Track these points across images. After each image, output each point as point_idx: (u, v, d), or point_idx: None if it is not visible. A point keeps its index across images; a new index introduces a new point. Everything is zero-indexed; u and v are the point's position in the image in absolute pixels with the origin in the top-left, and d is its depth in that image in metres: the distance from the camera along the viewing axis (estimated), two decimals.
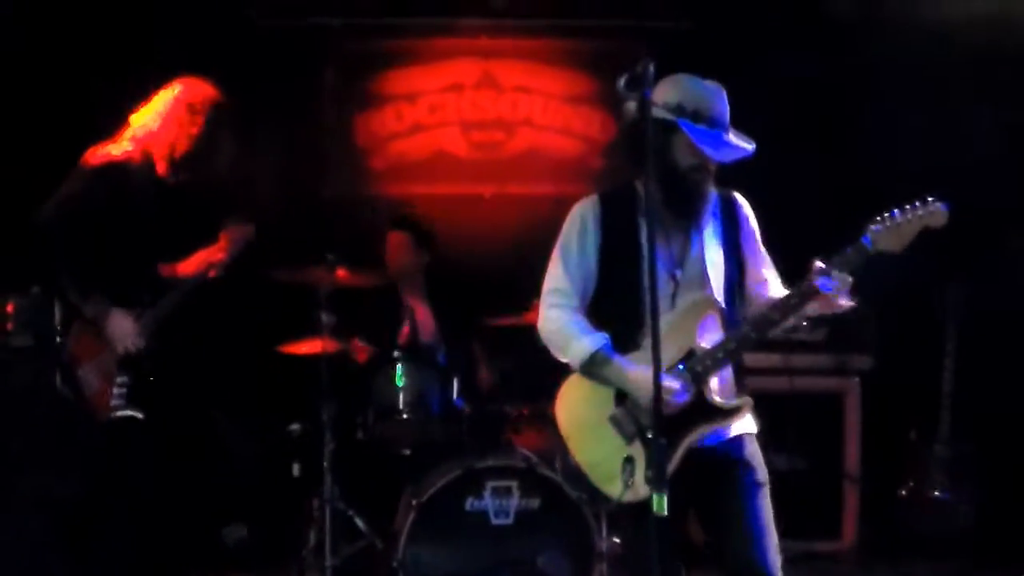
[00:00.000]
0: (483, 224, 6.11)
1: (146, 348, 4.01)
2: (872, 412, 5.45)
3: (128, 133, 4.07)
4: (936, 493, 5.28)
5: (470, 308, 5.43)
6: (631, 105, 2.97)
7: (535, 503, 4.32)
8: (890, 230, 2.91)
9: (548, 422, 4.80)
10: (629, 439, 2.98)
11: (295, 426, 4.86)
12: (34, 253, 3.88)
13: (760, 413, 5.27)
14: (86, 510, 4.03)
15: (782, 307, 2.98)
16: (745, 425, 3.09)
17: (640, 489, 2.91)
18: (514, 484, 4.32)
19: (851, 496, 5.42)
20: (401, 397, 4.66)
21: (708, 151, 2.94)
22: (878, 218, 2.93)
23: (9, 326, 4.59)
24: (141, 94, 4.35)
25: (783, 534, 5.26)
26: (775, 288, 3.18)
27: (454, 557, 4.27)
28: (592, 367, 3.01)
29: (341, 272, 4.67)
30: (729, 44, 5.80)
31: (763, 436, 5.17)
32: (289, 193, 5.97)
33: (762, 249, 3.21)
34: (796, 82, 5.56)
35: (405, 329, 4.98)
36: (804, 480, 5.42)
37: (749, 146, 3.03)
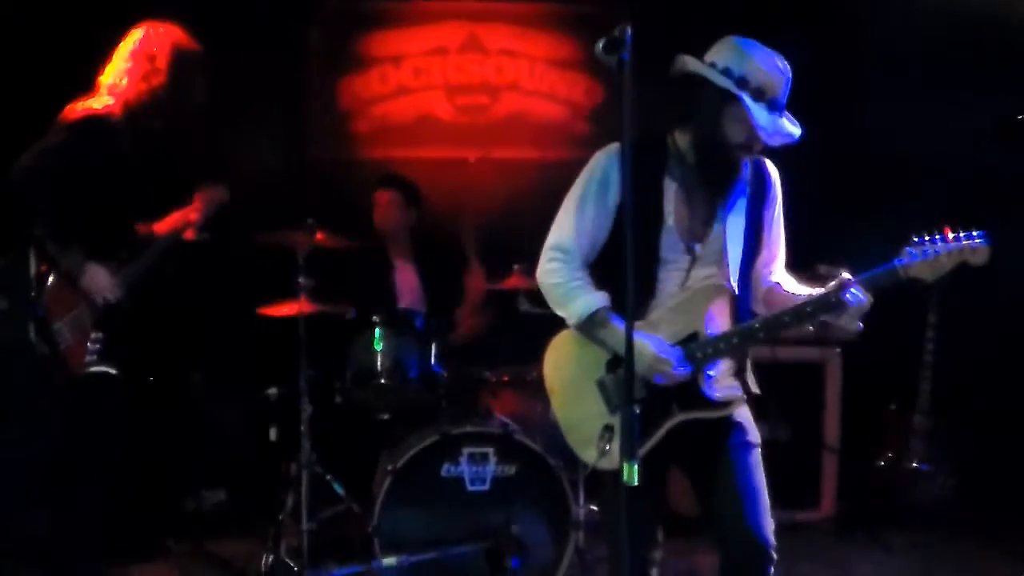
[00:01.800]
0: (467, 188, 6.07)
1: (122, 304, 3.99)
2: (852, 383, 5.46)
3: (103, 88, 4.00)
4: (915, 464, 5.29)
5: (454, 272, 5.42)
6: (691, 60, 2.88)
7: (512, 470, 4.31)
8: (926, 260, 2.80)
9: (527, 388, 4.88)
10: (612, 408, 2.94)
11: (272, 390, 4.83)
12: (11, 204, 3.79)
13: None
14: (58, 466, 3.97)
15: (796, 314, 2.89)
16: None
17: (616, 458, 2.82)
18: (491, 451, 4.31)
19: (830, 466, 5.44)
20: (379, 362, 4.64)
21: (762, 133, 2.83)
22: (915, 241, 2.82)
23: None
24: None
25: None
26: (780, 274, 3.11)
27: (430, 523, 4.26)
28: (590, 327, 2.94)
29: (320, 235, 4.63)
30: (716, 10, 5.74)
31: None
32: (273, 155, 5.92)
33: (782, 227, 3.10)
34: (781, 45, 5.49)
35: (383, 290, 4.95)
36: (784, 450, 5.42)
37: (797, 131, 2.91)
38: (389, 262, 5.34)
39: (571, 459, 4.33)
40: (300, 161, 6.07)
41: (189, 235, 4.26)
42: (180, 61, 4.01)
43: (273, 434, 4.80)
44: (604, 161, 2.97)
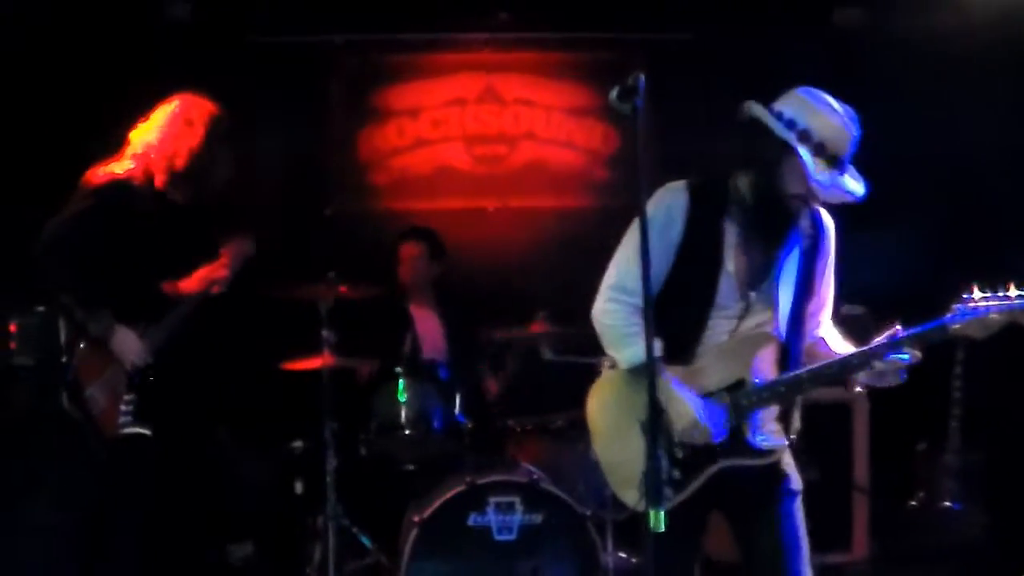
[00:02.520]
0: (487, 238, 6.10)
1: (152, 364, 4.00)
2: (881, 422, 5.40)
3: (129, 151, 4.07)
4: (946, 504, 5.22)
5: (475, 322, 5.43)
6: (757, 109, 2.86)
7: (538, 518, 4.28)
8: (977, 319, 2.74)
9: (552, 436, 4.86)
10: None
11: (298, 443, 4.84)
12: (39, 272, 3.86)
13: None
14: (92, 529, 4.01)
15: (843, 365, 2.87)
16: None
17: None
18: (517, 499, 4.28)
19: (861, 507, 5.36)
20: (403, 413, 4.65)
21: (818, 189, 2.81)
22: (966, 298, 2.77)
23: (12, 345, 4.61)
24: (143, 112, 4.36)
25: None
26: (827, 324, 3.09)
27: (458, 573, 4.23)
28: (637, 372, 2.87)
29: (343, 289, 4.65)
30: (729, 56, 5.79)
31: None
32: (292, 209, 5.96)
33: (831, 278, 3.07)
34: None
35: (405, 342, 4.97)
36: (813, 491, 5.31)
37: (860, 190, 2.87)
38: (411, 314, 5.36)
39: (599, 506, 4.36)
40: (320, 214, 6.11)
41: (215, 291, 4.27)
42: (215, 131, 4.08)
43: (299, 487, 4.81)
44: (668, 199, 2.93)
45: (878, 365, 2.83)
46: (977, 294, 2.76)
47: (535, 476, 4.38)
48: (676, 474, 2.88)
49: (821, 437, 5.35)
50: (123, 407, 3.92)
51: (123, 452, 3.93)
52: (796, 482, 2.99)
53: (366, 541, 4.67)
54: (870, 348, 2.86)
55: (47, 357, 4.03)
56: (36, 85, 5.38)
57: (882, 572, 5.23)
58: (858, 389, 3.00)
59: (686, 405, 2.82)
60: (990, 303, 2.75)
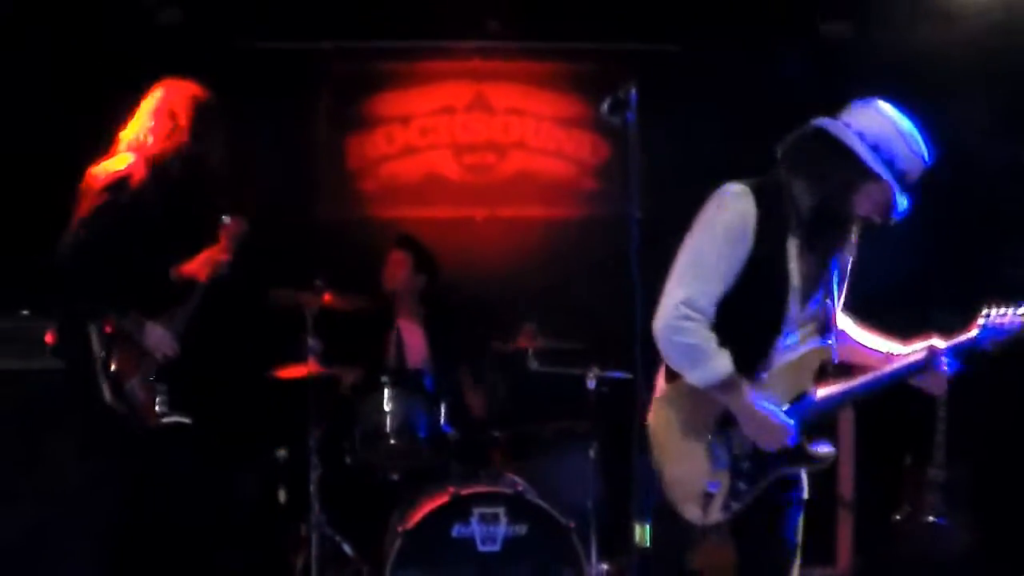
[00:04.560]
0: (475, 248, 6.08)
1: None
2: (866, 436, 5.40)
3: (121, 145, 4.10)
4: (932, 518, 5.22)
5: (461, 332, 5.41)
6: (833, 125, 2.84)
7: (523, 530, 4.28)
8: (1012, 337, 2.97)
9: (537, 447, 4.85)
10: (719, 466, 2.93)
11: (282, 451, 4.81)
12: (65, 281, 3.92)
13: None
14: (128, 521, 4.08)
15: (892, 379, 3.01)
16: None
17: (714, 514, 2.90)
18: (501, 511, 4.27)
19: (845, 521, 5.37)
20: (388, 422, 4.63)
21: (896, 216, 2.87)
22: (988, 315, 2.98)
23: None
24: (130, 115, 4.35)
25: None
26: (853, 329, 3.17)
27: None
28: (717, 388, 2.86)
29: (328, 296, 4.63)
30: (717, 67, 5.79)
31: None
32: (280, 215, 5.93)
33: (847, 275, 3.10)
34: (783, 104, 5.53)
35: (389, 351, 4.94)
36: None
37: (906, 206, 2.91)
38: (396, 323, 5.34)
39: (582, 518, 4.34)
40: (308, 220, 6.08)
41: (218, 274, 4.30)
42: (200, 116, 4.11)
43: (282, 495, 4.78)
44: (741, 206, 2.82)
45: (938, 375, 3.01)
46: (994, 311, 2.98)
47: (520, 487, 4.37)
48: (741, 486, 2.92)
49: None
50: (159, 398, 4.02)
51: (167, 441, 4.08)
52: (805, 491, 3.05)
53: (349, 550, 4.64)
54: (920, 362, 3.01)
55: (78, 360, 4.00)
56: (26, 90, 5.36)
57: None
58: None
59: (761, 413, 2.86)
60: (1013, 319, 2.98)
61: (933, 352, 2.98)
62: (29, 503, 4.38)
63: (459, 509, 4.26)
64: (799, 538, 3.02)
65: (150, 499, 4.10)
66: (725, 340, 2.82)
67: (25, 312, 4.66)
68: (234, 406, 5.44)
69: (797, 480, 3.03)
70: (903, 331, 3.19)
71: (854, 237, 3.01)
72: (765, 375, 2.90)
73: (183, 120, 4.08)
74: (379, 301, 5.30)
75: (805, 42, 5.87)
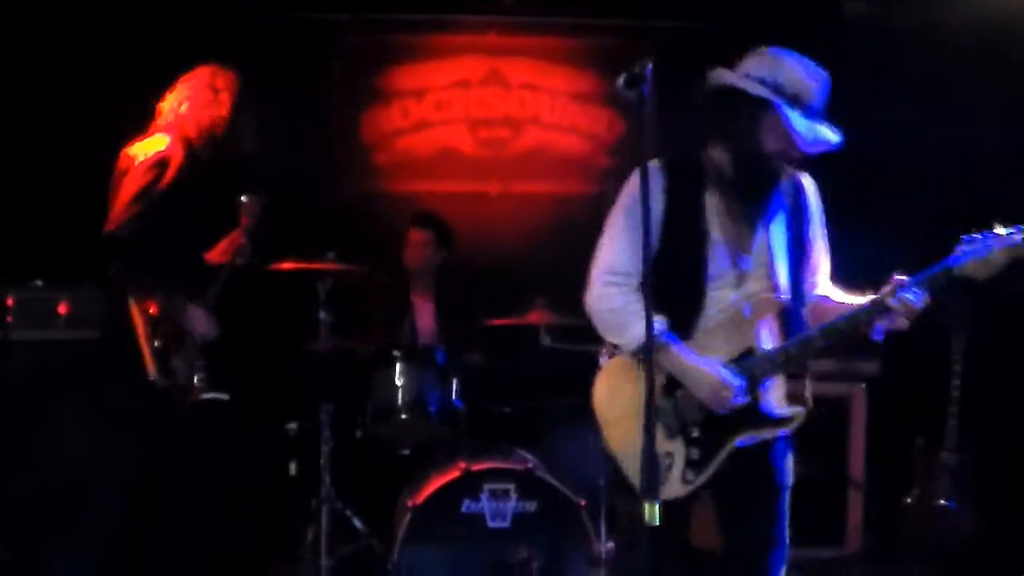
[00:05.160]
0: (488, 222, 6.06)
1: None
2: (878, 418, 5.39)
3: (160, 123, 4.16)
4: (942, 501, 5.20)
5: (474, 307, 5.40)
6: (725, 73, 2.85)
7: (532, 506, 4.26)
8: (979, 257, 2.74)
9: (548, 423, 4.84)
10: (671, 434, 2.88)
11: (292, 424, 4.82)
12: (118, 259, 3.98)
13: None
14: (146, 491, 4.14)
15: (852, 319, 2.83)
16: None
17: (675, 486, 2.84)
18: (512, 487, 4.26)
19: (856, 503, 5.36)
20: (400, 397, 4.63)
21: (799, 140, 2.79)
22: (965, 239, 2.77)
23: (9, 319, 4.60)
24: (144, 89, 4.35)
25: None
26: (826, 285, 3.06)
27: (450, 560, 4.22)
28: (646, 350, 2.84)
29: (341, 269, 4.62)
30: (738, 43, 5.73)
31: None
32: (294, 189, 5.92)
33: (823, 237, 3.06)
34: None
35: (403, 326, 4.94)
36: (808, 486, 5.32)
37: (836, 138, 2.87)
38: (409, 298, 5.33)
39: (592, 496, 4.34)
40: (322, 194, 6.07)
41: (240, 261, 4.38)
42: (237, 101, 4.21)
43: (293, 469, 4.79)
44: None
45: (887, 317, 2.79)
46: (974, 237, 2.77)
47: (530, 464, 4.36)
48: (695, 454, 2.85)
49: (817, 431, 5.30)
50: (197, 375, 4.13)
51: (205, 417, 4.19)
52: (790, 475, 2.97)
53: (359, 524, 4.66)
54: (877, 298, 2.83)
55: (110, 330, 4.11)
56: (37, 65, 5.35)
57: (875, 567, 5.22)
58: (875, 336, 2.88)
59: (704, 370, 2.80)
60: (990, 241, 2.75)
61: (895, 284, 2.80)
62: (42, 471, 4.42)
63: (469, 485, 4.25)
64: (786, 527, 2.93)
65: (171, 471, 4.12)
66: (658, 302, 2.79)
67: (39, 283, 4.69)
68: (246, 380, 5.45)
69: (781, 463, 2.94)
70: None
71: (819, 208, 3.00)
72: (703, 334, 2.87)
73: (225, 100, 4.17)
74: (395, 276, 5.29)
75: (829, 20, 5.81)
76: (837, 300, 3.00)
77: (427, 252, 5.34)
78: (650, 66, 2.57)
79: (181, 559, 4.27)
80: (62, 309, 4.56)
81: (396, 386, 4.64)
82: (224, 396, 4.18)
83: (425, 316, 5.33)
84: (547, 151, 6.25)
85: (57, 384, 4.50)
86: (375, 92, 6.21)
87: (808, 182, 3.04)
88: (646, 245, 2.50)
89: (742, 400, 2.81)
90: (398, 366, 4.66)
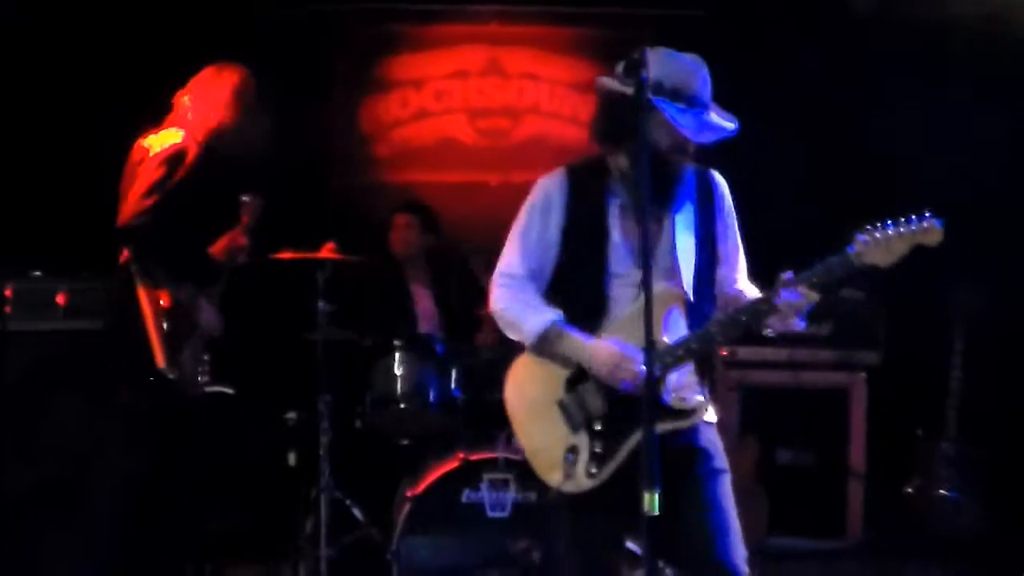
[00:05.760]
0: (488, 212, 6.04)
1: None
2: (878, 408, 5.38)
3: (175, 118, 4.15)
4: (943, 491, 5.21)
5: (473, 296, 5.38)
6: (606, 80, 2.86)
7: (532, 496, 4.26)
8: (879, 244, 2.72)
9: None
10: (575, 428, 2.89)
11: (291, 414, 4.82)
12: (134, 248, 3.98)
13: (764, 408, 5.34)
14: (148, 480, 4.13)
15: (751, 312, 2.83)
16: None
17: (581, 480, 2.84)
18: (511, 477, 4.27)
19: (856, 493, 5.35)
20: (399, 387, 4.62)
21: (687, 132, 2.80)
22: (867, 228, 2.75)
23: (8, 310, 4.60)
24: (144, 79, 4.34)
25: (787, 531, 5.25)
26: (743, 279, 3.07)
27: (449, 549, 4.23)
28: (546, 344, 2.89)
29: (340, 259, 4.62)
30: (739, 31, 5.73)
31: (768, 431, 5.27)
32: (294, 180, 5.91)
33: (736, 234, 3.07)
34: (806, 70, 5.47)
35: (401, 315, 4.93)
36: (809, 476, 5.37)
37: (731, 125, 2.88)
38: (407, 287, 5.33)
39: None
40: (321, 185, 6.06)
41: (241, 258, 4.38)
42: (252, 101, 4.21)
43: (292, 459, 4.79)
44: (546, 184, 3.02)
45: (780, 308, 2.77)
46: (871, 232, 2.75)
47: None
48: (597, 447, 2.86)
49: (817, 421, 5.36)
50: (201, 368, 4.18)
51: (209, 410, 4.29)
52: (721, 460, 2.94)
53: (359, 514, 4.66)
54: (760, 297, 2.85)
55: (115, 321, 4.11)
56: (43, 60, 5.36)
57: (876, 558, 5.21)
58: (768, 332, 2.91)
59: (602, 347, 2.82)
60: (890, 229, 2.73)
61: (780, 283, 2.77)
62: (42, 462, 4.42)
63: (469, 475, 4.26)
64: (730, 511, 2.86)
65: (172, 461, 4.11)
66: (562, 306, 2.92)
67: (37, 273, 4.68)
68: (246, 370, 5.46)
69: (703, 448, 2.90)
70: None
71: (730, 204, 3.01)
72: (606, 331, 2.88)
73: (242, 97, 4.18)
74: (388, 264, 5.29)
75: (831, 15, 5.79)
76: (749, 296, 2.99)
77: (410, 235, 5.34)
78: (648, 52, 2.57)
79: (181, 549, 4.27)
80: (60, 299, 4.55)
81: (395, 376, 4.64)
82: (229, 390, 4.25)
83: (424, 302, 5.32)
84: (547, 140, 6.24)
85: (56, 375, 4.50)
86: (374, 82, 6.20)
87: (721, 181, 3.06)
88: (645, 236, 2.50)
89: (629, 387, 2.79)
90: (397, 356, 4.65)
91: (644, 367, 2.68)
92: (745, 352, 5.33)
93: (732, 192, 3.08)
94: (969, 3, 5.24)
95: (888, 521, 5.35)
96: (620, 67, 2.60)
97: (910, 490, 5.31)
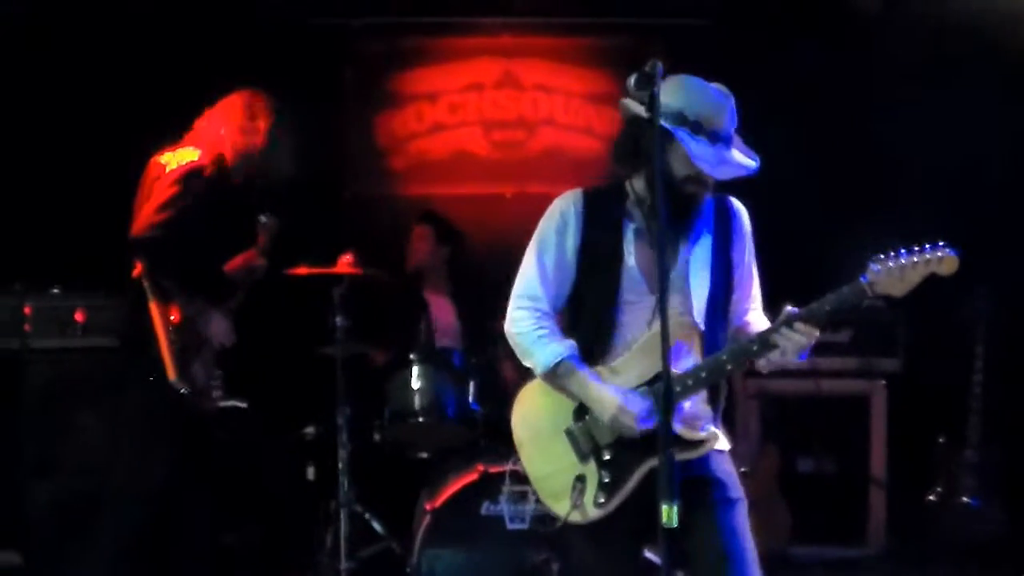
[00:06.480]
0: (504, 224, 6.05)
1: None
2: (899, 415, 5.35)
3: (193, 137, 4.20)
4: (965, 499, 5.17)
5: (491, 309, 5.38)
6: (630, 102, 2.82)
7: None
8: (892, 274, 2.69)
9: None
10: (583, 457, 2.87)
11: (310, 429, 4.83)
12: (148, 261, 4.01)
13: (785, 416, 5.33)
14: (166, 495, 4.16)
15: (761, 342, 2.79)
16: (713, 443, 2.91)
17: (589, 510, 2.83)
18: (530, 489, 4.23)
19: (878, 501, 5.33)
20: (417, 400, 4.63)
21: (704, 166, 2.76)
22: (880, 257, 2.71)
23: (27, 327, 4.63)
24: (161, 97, 4.36)
25: (809, 539, 5.22)
26: (756, 309, 3.04)
27: (469, 562, 4.22)
28: (555, 377, 2.88)
29: (358, 273, 4.63)
30: (749, 41, 5.72)
31: (789, 439, 5.25)
32: (309, 194, 5.93)
33: (752, 266, 3.03)
34: (814, 80, 5.46)
35: (419, 329, 4.94)
36: (830, 484, 5.35)
37: (752, 163, 2.84)
38: (425, 299, 5.33)
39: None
40: (337, 198, 6.08)
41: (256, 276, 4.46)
42: (276, 127, 4.27)
43: (311, 473, 4.79)
44: (561, 205, 2.96)
45: (776, 344, 2.75)
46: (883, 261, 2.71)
47: None
48: (605, 477, 2.84)
49: (838, 429, 5.35)
50: (214, 382, 4.18)
51: (223, 424, 4.30)
52: (736, 489, 2.90)
53: (379, 527, 4.66)
54: (762, 334, 2.81)
55: (129, 337, 4.16)
56: (55, 75, 5.39)
57: (898, 567, 5.18)
58: (762, 366, 2.86)
59: (606, 395, 2.80)
60: (903, 258, 2.70)
61: (783, 319, 2.75)
62: (63, 477, 4.44)
63: (488, 487, 4.25)
64: (746, 538, 2.82)
65: (190, 476, 4.14)
66: (574, 330, 2.91)
67: (56, 291, 4.71)
68: (264, 385, 5.47)
69: (716, 479, 2.87)
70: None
71: (748, 234, 2.98)
72: (616, 357, 2.87)
73: (261, 121, 4.24)
74: (408, 279, 5.29)
75: (836, 18, 5.78)
76: (757, 328, 2.95)
77: (426, 247, 5.36)
78: (660, 65, 2.55)
79: (200, 564, 4.28)
80: (79, 317, 4.59)
81: (413, 389, 4.65)
82: (242, 404, 4.26)
83: (443, 318, 5.32)
84: (562, 152, 6.24)
85: (76, 391, 4.53)
86: (389, 96, 6.21)
87: (740, 209, 3.02)
88: (662, 255, 2.50)
89: (646, 424, 2.78)
90: (415, 369, 4.66)
91: (644, 424, 2.76)
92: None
93: (741, 200, 3.06)
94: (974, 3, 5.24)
95: (910, 529, 5.31)
96: (631, 80, 2.59)
97: (932, 498, 5.27)
